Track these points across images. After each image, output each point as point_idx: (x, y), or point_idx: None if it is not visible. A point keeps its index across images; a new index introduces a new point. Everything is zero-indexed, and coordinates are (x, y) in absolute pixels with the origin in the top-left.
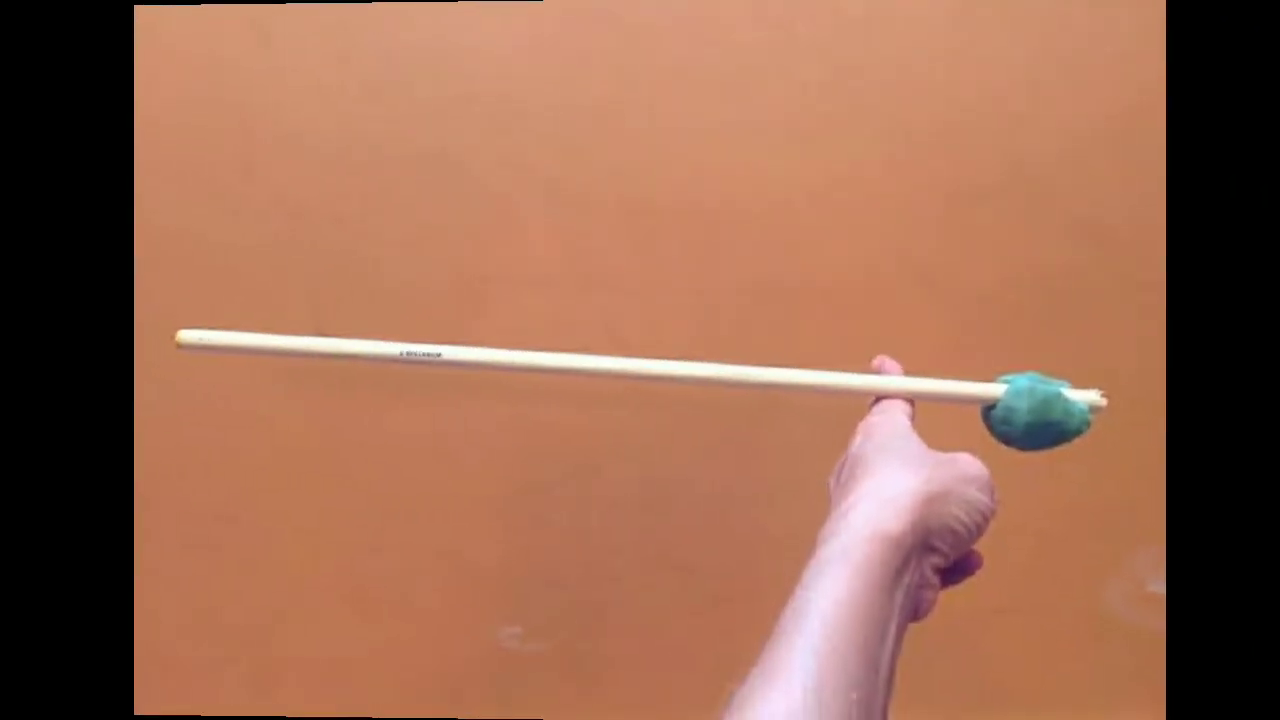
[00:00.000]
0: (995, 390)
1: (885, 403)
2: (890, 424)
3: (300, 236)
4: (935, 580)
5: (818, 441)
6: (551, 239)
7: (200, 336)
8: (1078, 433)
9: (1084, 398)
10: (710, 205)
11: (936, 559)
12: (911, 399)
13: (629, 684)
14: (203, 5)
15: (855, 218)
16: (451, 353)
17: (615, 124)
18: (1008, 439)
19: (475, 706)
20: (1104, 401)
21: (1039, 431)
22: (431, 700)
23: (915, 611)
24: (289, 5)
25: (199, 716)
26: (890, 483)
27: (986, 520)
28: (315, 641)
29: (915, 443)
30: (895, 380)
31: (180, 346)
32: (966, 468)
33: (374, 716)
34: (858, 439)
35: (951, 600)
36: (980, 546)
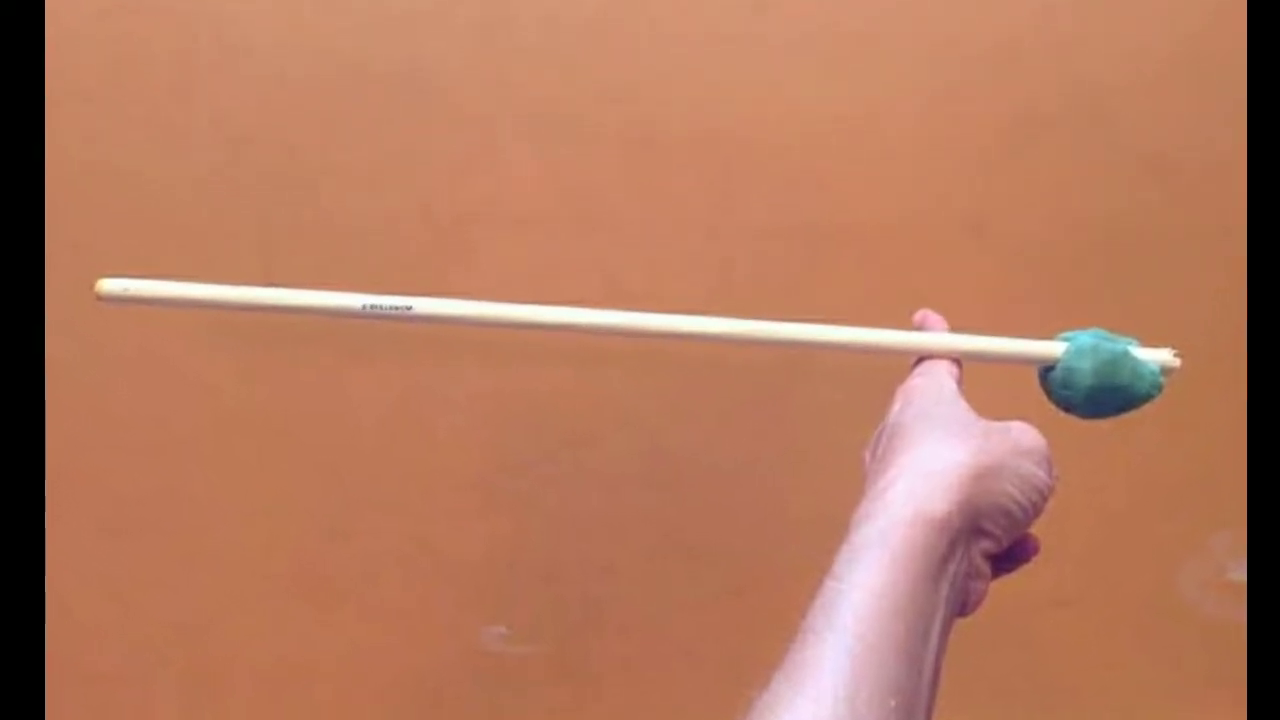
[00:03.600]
0: (1054, 349)
1: (928, 363)
2: (934, 388)
3: (245, 168)
4: (985, 568)
5: (850, 409)
6: (540, 172)
7: (124, 286)
8: (1148, 398)
9: (1155, 358)
10: (725, 134)
11: (987, 544)
12: (958, 359)
13: (630, 689)
14: None
15: (893, 151)
16: (424, 305)
17: (614, 37)
18: (1068, 405)
19: (455, 718)
20: (1177, 362)
21: (1104, 396)
22: (404, 711)
23: (963, 604)
24: None
25: None
26: (934, 456)
27: (1044, 499)
28: (263, 644)
29: (963, 410)
30: (940, 338)
31: (101, 298)
32: (1021, 438)
33: None
34: (897, 405)
35: (1003, 591)
36: (1037, 529)
